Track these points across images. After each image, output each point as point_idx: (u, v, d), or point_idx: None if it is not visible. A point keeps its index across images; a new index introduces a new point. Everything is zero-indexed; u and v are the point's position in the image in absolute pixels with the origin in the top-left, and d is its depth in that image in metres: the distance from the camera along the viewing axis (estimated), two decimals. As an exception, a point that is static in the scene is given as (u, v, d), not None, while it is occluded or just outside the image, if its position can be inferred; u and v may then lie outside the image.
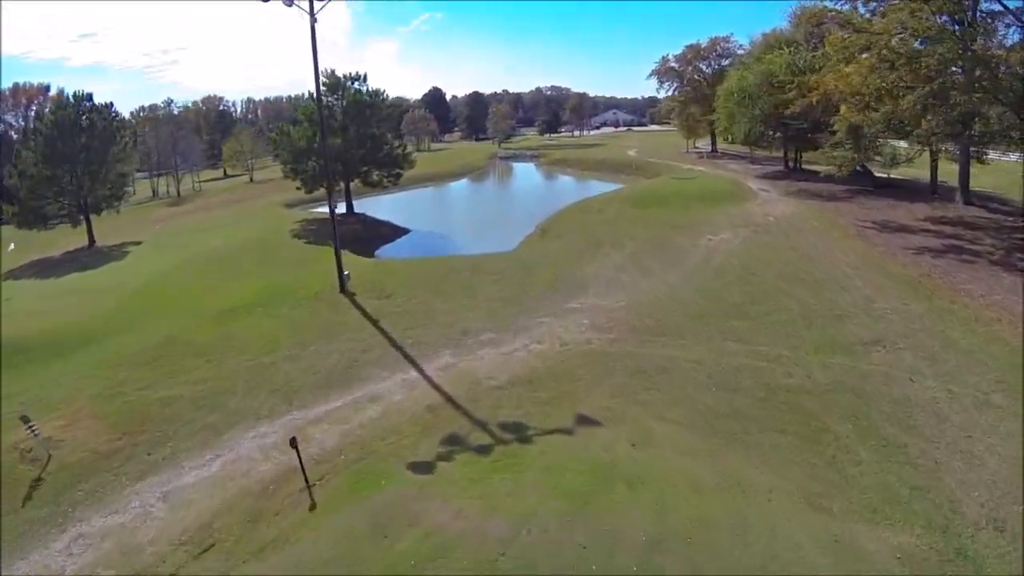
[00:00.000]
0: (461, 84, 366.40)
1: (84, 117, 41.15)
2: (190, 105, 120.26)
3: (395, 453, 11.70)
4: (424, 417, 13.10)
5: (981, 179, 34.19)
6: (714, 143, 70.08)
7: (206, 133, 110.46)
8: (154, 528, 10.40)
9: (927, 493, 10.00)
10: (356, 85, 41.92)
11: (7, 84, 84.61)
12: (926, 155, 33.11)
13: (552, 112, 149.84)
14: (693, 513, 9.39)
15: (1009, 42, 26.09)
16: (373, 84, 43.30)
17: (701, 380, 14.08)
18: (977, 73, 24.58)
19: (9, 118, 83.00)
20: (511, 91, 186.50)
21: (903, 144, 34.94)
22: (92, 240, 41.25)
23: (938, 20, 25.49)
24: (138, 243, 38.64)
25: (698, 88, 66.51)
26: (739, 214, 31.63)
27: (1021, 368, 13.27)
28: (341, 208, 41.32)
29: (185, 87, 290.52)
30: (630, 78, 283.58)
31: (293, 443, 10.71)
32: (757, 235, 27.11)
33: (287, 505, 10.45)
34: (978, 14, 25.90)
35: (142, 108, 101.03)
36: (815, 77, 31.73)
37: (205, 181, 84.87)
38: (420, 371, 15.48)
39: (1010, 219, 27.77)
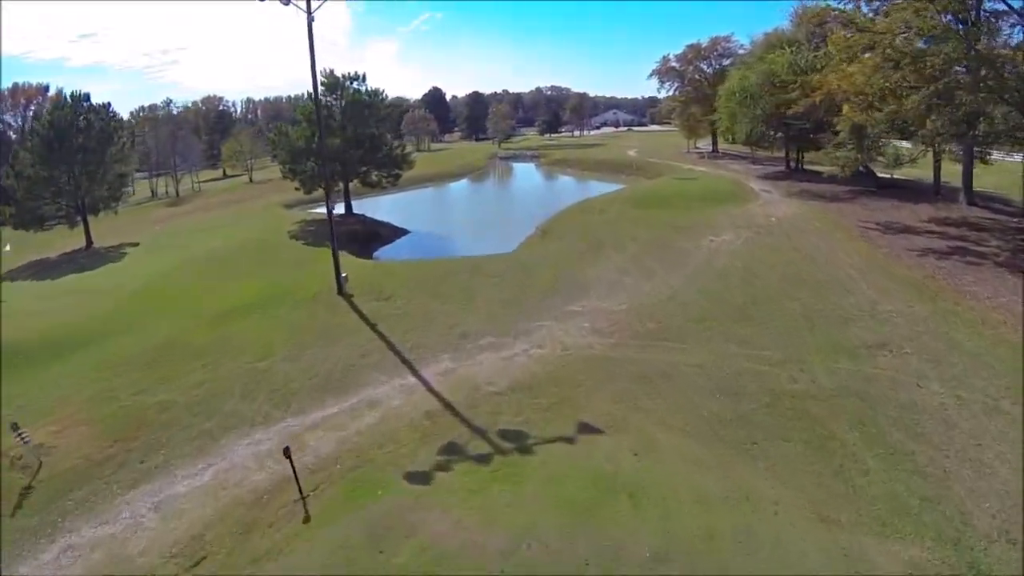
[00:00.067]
0: (461, 84, 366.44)
1: (81, 117, 40.79)
2: (189, 105, 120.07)
3: (393, 462, 11.45)
4: (422, 424, 12.86)
5: (984, 179, 33.90)
6: (715, 143, 69.84)
7: (205, 133, 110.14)
8: (145, 539, 10.17)
9: (937, 504, 9.75)
10: (355, 85, 41.61)
11: (7, 84, 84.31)
12: (928, 155, 32.86)
13: (552, 112, 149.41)
14: (698, 526, 9.14)
15: (1014, 41, 25.91)
16: (373, 84, 43.05)
17: (704, 385, 13.83)
18: (983, 73, 24.33)
19: (8, 118, 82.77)
20: (511, 91, 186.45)
21: (906, 144, 34.70)
22: (90, 241, 40.97)
23: (943, 19, 25.25)
24: (136, 244, 38.40)
25: (699, 88, 66.31)
26: (741, 215, 31.39)
27: (1022, 370, 13.08)
28: (340, 209, 41.11)
29: (185, 87, 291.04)
30: (630, 78, 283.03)
31: (287, 453, 10.47)
32: (759, 236, 26.87)
33: (281, 516, 10.20)
34: (981, 13, 25.68)
35: (141, 108, 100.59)
36: (818, 77, 31.48)
37: (204, 181, 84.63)
38: (419, 376, 15.23)
39: (1015, 220, 27.53)
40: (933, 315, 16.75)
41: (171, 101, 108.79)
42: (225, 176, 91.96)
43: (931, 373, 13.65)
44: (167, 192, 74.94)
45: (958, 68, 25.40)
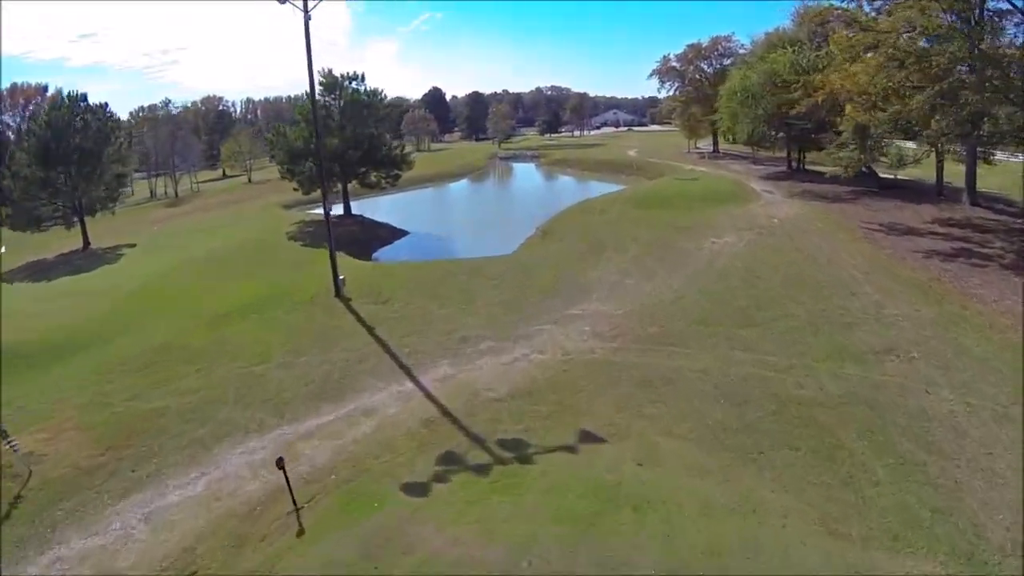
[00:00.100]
0: (461, 84, 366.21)
1: (79, 118, 40.52)
2: (189, 105, 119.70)
3: (389, 472, 11.17)
4: (420, 432, 12.58)
5: (987, 180, 33.64)
6: (716, 143, 69.55)
7: (205, 133, 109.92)
8: (135, 552, 9.89)
9: (949, 516, 9.46)
10: (354, 85, 41.33)
11: (6, 84, 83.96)
12: (930, 156, 32.58)
13: (552, 112, 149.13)
14: (704, 539, 8.86)
15: (1019, 41, 25.64)
16: (373, 84, 42.75)
17: (709, 392, 13.55)
18: (988, 72, 24.05)
19: (7, 119, 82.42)
20: (511, 91, 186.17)
21: (909, 144, 34.43)
22: (87, 242, 40.70)
23: (947, 19, 24.98)
24: (133, 245, 38.16)
25: (700, 88, 66.05)
26: (742, 216, 31.11)
27: (1022, 371, 12.83)
28: (339, 210, 40.82)
29: (185, 87, 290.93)
30: (630, 78, 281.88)
31: (280, 464, 10.18)
32: (761, 237, 26.59)
33: (274, 529, 9.92)
34: (985, 13, 25.41)
35: (141, 108, 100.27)
36: (820, 76, 31.22)
37: (203, 182, 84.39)
38: (416, 382, 14.96)
39: (1018, 221, 27.26)
40: (940, 319, 16.48)
41: (170, 101, 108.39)
42: (224, 176, 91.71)
43: (940, 379, 13.36)
44: (166, 192, 74.68)
45: (961, 68, 25.14)
